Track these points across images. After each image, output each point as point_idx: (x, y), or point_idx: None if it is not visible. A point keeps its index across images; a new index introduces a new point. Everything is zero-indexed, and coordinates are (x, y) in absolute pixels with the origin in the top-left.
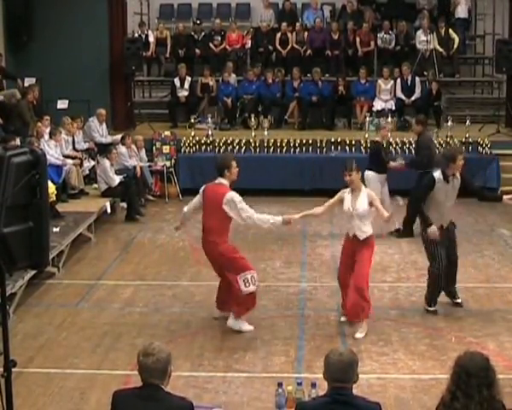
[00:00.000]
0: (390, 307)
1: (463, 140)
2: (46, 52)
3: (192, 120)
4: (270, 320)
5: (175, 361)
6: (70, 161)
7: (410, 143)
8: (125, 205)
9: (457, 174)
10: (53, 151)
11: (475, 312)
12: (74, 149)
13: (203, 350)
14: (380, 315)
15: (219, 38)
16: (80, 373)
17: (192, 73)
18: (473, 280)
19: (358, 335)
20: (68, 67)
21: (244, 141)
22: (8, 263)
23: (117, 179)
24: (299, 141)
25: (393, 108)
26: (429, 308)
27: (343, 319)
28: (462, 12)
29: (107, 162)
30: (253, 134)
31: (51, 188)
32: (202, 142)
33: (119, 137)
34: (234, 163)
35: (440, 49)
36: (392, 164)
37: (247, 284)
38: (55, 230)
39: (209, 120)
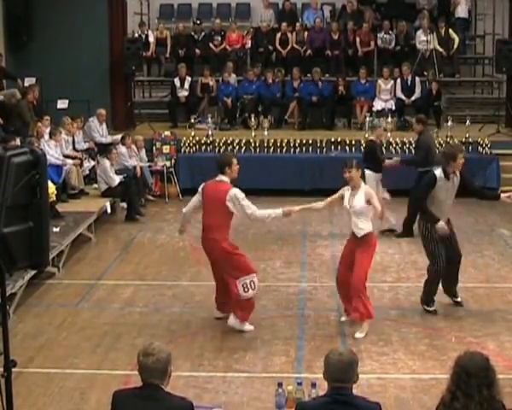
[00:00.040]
0: (390, 307)
1: (463, 140)
2: (46, 52)
3: (192, 120)
4: (270, 320)
5: (175, 361)
6: (70, 161)
7: (410, 143)
8: (125, 205)
9: (457, 172)
10: (53, 151)
11: (475, 312)
12: (74, 149)
13: (203, 350)
14: (380, 315)
15: (219, 38)
16: (80, 373)
17: (192, 73)
18: (473, 280)
19: (358, 335)
20: (68, 67)
21: (244, 141)
22: (8, 263)
23: (117, 179)
24: (299, 141)
25: (393, 108)
26: (428, 308)
27: (343, 318)
28: (462, 12)
29: (107, 162)
30: (253, 134)
31: (51, 188)
32: (202, 142)
33: (119, 137)
34: (235, 160)
35: (440, 49)
36: (387, 162)
37: (246, 290)
38: (55, 230)
39: (209, 120)
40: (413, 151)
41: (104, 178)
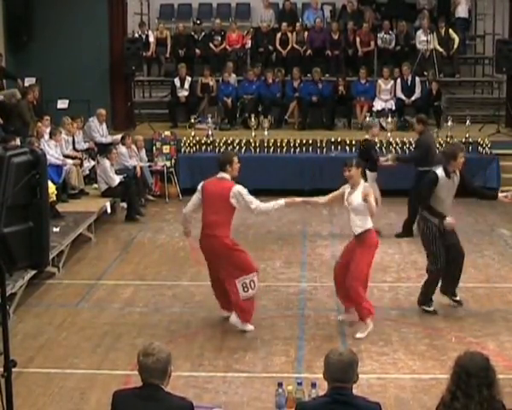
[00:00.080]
0: (390, 307)
1: (463, 140)
2: (46, 52)
3: (192, 120)
4: (270, 320)
5: (175, 361)
6: (70, 161)
7: (410, 143)
8: (125, 205)
9: (457, 171)
10: (53, 151)
11: (475, 312)
12: (74, 149)
13: (203, 350)
14: (380, 315)
15: (219, 38)
16: (80, 373)
17: (192, 73)
18: (473, 280)
19: (359, 335)
20: (68, 67)
21: (244, 141)
22: (9, 263)
23: (117, 179)
24: (299, 141)
25: (393, 108)
26: (427, 308)
27: (340, 317)
28: (462, 11)
29: (107, 162)
30: (253, 134)
31: (51, 188)
32: (202, 142)
33: (119, 137)
34: (236, 159)
35: (440, 49)
36: (382, 161)
37: (246, 289)
38: (55, 230)
39: (209, 120)
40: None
41: (104, 178)
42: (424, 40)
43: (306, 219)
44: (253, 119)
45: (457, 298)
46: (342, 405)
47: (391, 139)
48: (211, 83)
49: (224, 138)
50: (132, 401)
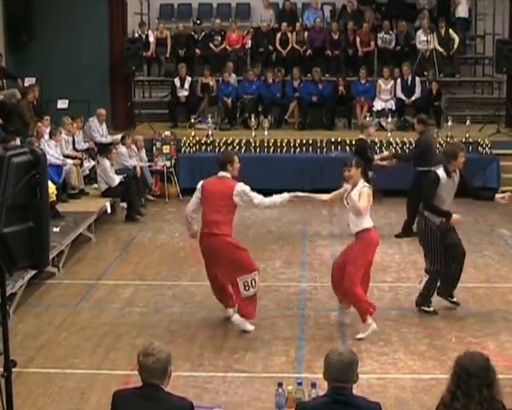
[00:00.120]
0: (390, 308)
1: (463, 140)
2: (46, 52)
3: (192, 120)
4: (270, 320)
5: (175, 361)
6: (70, 161)
7: (410, 143)
8: (125, 205)
9: (457, 171)
10: (53, 151)
11: (475, 312)
12: (74, 149)
13: (203, 350)
14: (380, 315)
15: (219, 38)
16: (80, 373)
17: (192, 73)
18: (473, 280)
19: (360, 335)
20: (68, 67)
21: (244, 141)
22: (9, 263)
23: (117, 179)
24: (299, 141)
25: (393, 108)
26: (427, 309)
27: (340, 318)
28: (462, 11)
29: (107, 162)
30: (253, 134)
31: (51, 188)
32: (202, 142)
33: (119, 137)
34: (236, 158)
35: (440, 49)
36: (377, 159)
37: (247, 288)
38: (55, 230)
39: (209, 120)
40: None
41: (104, 178)
42: (424, 40)
43: (306, 219)
44: (253, 119)
45: (454, 299)
46: (342, 405)
47: (391, 139)
48: (211, 83)
49: (224, 138)
50: (132, 401)
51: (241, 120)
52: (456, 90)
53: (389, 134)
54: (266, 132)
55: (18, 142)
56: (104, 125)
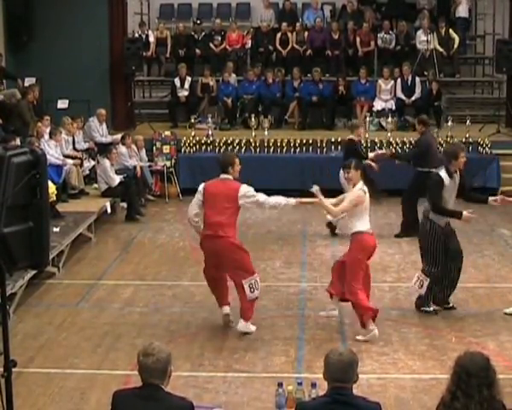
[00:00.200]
0: (390, 308)
1: (463, 140)
2: (46, 52)
3: (192, 120)
4: (270, 320)
5: (175, 361)
6: (70, 161)
7: (411, 143)
8: (125, 205)
9: (458, 171)
10: (53, 151)
11: (475, 312)
12: (74, 148)
13: (203, 350)
14: (380, 315)
15: (219, 38)
16: (80, 373)
17: (192, 73)
18: (473, 280)
19: (360, 337)
20: (68, 67)
21: (244, 141)
22: (9, 263)
23: (117, 179)
24: (299, 141)
25: (393, 108)
26: (427, 309)
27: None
28: (462, 11)
29: (107, 162)
30: (254, 134)
31: (51, 188)
32: (202, 142)
33: (119, 136)
34: (237, 160)
35: (440, 49)
36: (371, 157)
37: (252, 290)
38: (55, 230)
39: (209, 120)
40: None
41: (104, 178)
42: (424, 40)
43: (306, 219)
44: (253, 119)
45: (450, 305)
46: (342, 405)
47: (391, 139)
48: (211, 83)
49: (224, 138)
50: (132, 401)
51: (241, 120)
52: (456, 90)
53: (389, 134)
54: (266, 132)
55: (18, 142)
56: (104, 125)
